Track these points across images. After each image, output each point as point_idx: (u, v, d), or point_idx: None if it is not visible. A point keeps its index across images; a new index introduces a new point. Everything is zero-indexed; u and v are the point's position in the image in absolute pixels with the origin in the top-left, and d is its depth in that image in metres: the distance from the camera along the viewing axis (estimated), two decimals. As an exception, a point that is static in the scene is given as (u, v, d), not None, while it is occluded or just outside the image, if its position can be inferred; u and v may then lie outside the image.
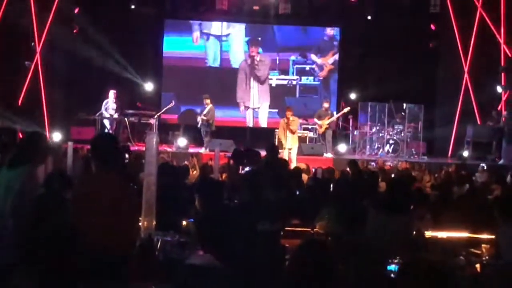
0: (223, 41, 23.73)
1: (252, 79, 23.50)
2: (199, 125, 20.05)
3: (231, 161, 12.09)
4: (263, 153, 11.84)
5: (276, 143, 17.89)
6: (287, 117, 17.88)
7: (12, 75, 19.07)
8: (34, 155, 6.09)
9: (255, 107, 23.31)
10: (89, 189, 5.47)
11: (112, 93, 20.05)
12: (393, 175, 13.14)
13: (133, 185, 7.55)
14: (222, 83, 23.33)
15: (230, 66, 23.82)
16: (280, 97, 23.25)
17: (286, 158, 16.51)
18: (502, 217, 6.81)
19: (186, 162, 14.73)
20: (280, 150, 16.00)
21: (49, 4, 19.85)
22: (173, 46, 23.49)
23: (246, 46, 23.66)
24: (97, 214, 5.25)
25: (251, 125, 23.15)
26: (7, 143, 13.99)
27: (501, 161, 18.86)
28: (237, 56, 23.83)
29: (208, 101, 19.98)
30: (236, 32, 23.74)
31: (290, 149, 17.77)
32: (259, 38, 23.74)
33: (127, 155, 13.05)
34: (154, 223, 6.61)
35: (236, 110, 23.46)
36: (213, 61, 23.79)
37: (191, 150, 19.22)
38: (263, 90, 23.50)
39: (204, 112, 19.92)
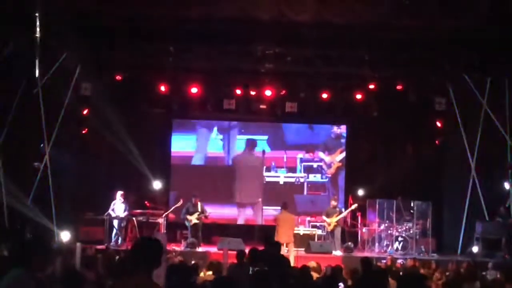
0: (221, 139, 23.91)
1: (250, 174, 23.59)
2: (190, 224, 20.10)
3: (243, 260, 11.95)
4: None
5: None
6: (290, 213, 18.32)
7: (22, 177, 19.09)
8: (29, 260, 5.75)
9: (253, 202, 23.27)
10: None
11: (119, 194, 20.15)
12: (401, 273, 13.02)
13: None
14: (225, 181, 23.53)
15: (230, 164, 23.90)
16: (288, 195, 23.06)
17: (290, 255, 16.84)
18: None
19: (194, 261, 14.66)
20: None
21: (58, 106, 20.00)
22: (181, 145, 23.65)
23: (244, 144, 23.84)
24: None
25: (242, 222, 23.39)
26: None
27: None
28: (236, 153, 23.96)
29: (198, 200, 20.36)
30: (239, 131, 24.04)
31: (289, 244, 17.93)
32: (254, 139, 23.89)
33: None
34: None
35: (233, 207, 23.52)
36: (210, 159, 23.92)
37: (200, 249, 19.13)
38: (259, 186, 23.52)
39: (199, 210, 20.16)
